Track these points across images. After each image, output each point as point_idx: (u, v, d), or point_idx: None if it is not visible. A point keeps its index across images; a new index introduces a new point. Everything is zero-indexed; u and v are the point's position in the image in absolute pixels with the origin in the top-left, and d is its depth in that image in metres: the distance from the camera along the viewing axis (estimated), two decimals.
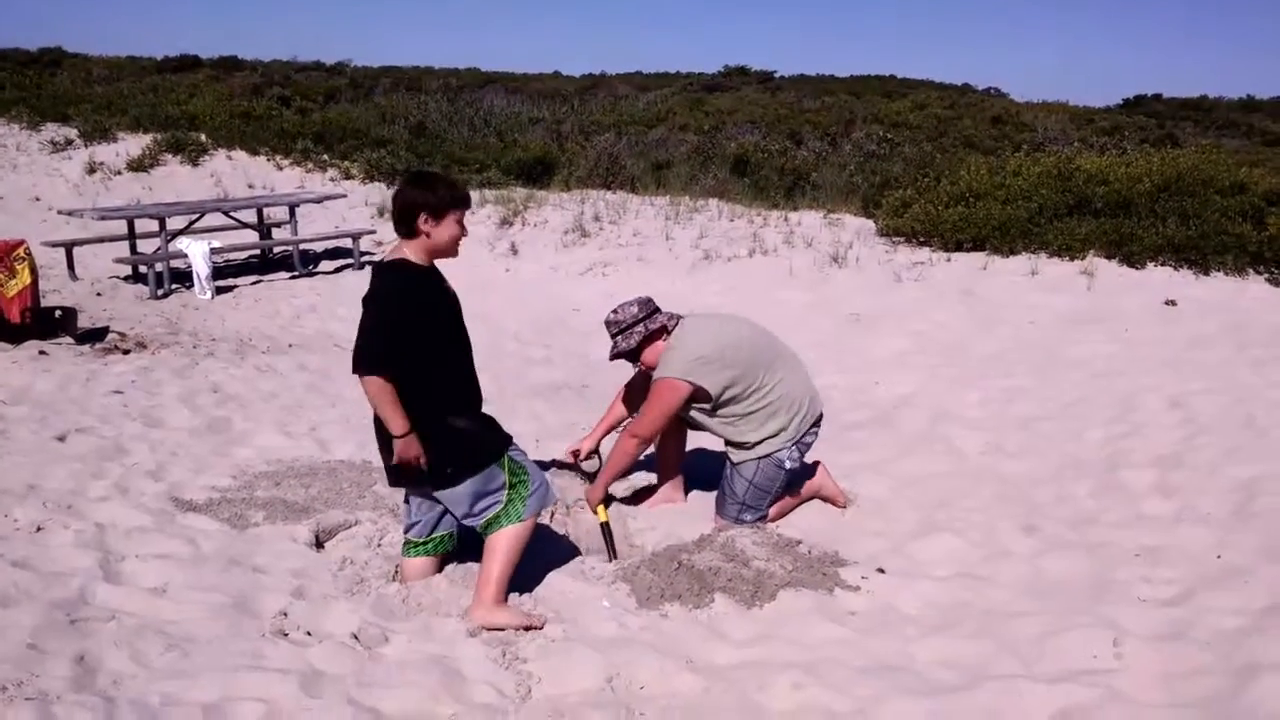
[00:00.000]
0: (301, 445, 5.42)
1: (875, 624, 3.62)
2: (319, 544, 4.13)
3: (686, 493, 4.75)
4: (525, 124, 19.45)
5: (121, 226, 10.45)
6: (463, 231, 3.48)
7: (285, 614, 3.47)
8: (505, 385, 6.92)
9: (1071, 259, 9.69)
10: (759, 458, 4.32)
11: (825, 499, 4.70)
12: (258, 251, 11.31)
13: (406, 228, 3.40)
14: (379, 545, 4.08)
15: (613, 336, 4.38)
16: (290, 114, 18.19)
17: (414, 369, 3.33)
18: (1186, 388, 6.57)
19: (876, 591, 3.85)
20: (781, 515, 4.52)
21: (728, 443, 4.41)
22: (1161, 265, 9.44)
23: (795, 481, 4.52)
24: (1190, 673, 3.22)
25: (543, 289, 10.10)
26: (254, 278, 10.51)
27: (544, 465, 4.88)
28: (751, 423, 4.30)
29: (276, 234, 11.68)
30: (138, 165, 15.55)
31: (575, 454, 4.67)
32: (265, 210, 11.62)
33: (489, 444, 3.56)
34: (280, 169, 15.60)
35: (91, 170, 15.51)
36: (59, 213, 11.79)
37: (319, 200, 11.95)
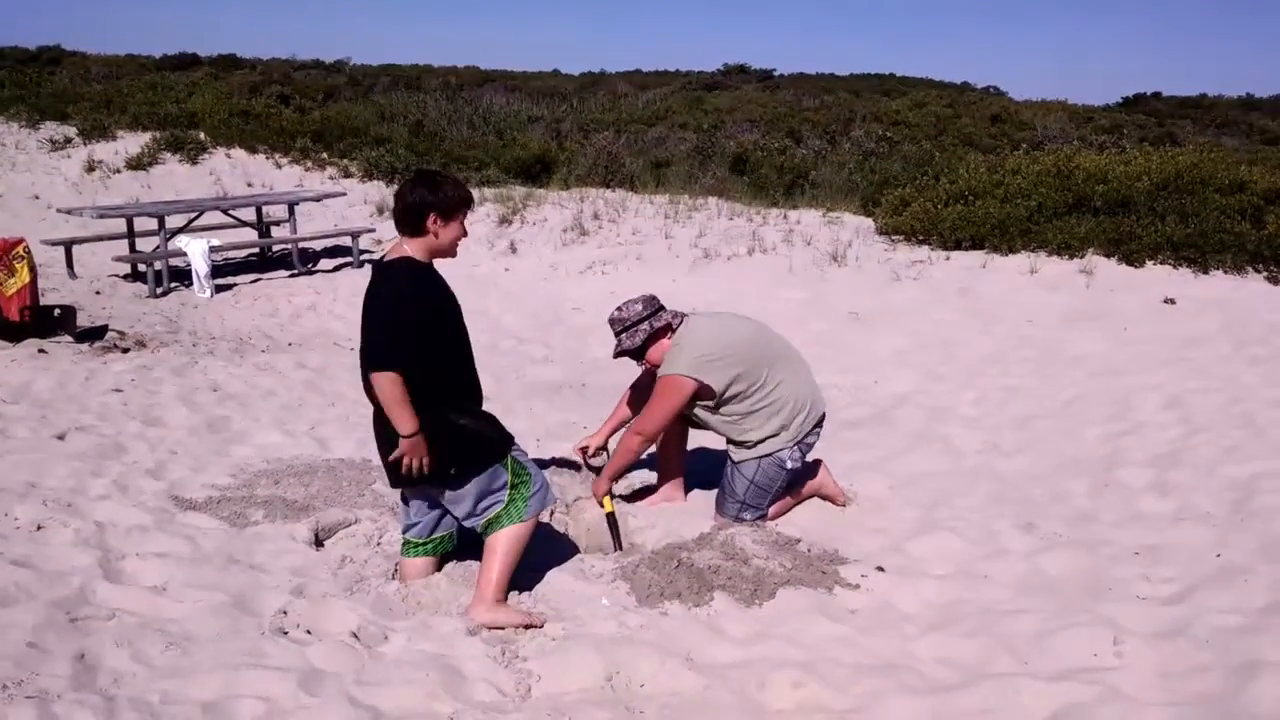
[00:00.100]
0: (301, 444, 5.42)
1: (874, 622, 3.63)
2: (318, 542, 4.13)
3: (686, 492, 4.76)
4: (524, 122, 19.46)
5: (120, 225, 10.45)
6: (464, 232, 3.49)
7: (285, 612, 3.47)
8: (504, 384, 6.92)
9: (1070, 257, 9.70)
10: (760, 457, 4.32)
11: (825, 497, 4.71)
12: (257, 250, 11.31)
13: (413, 226, 3.40)
14: (378, 544, 4.08)
15: (617, 334, 4.38)
16: (289, 112, 18.18)
17: (421, 368, 3.33)
18: (1185, 386, 6.57)
19: (875, 590, 3.85)
20: (781, 514, 4.53)
21: (729, 441, 4.41)
22: (1160, 264, 9.45)
23: (796, 481, 4.53)
24: (1189, 671, 3.22)
25: (542, 287, 10.10)
26: (253, 276, 10.51)
27: (543, 464, 4.88)
28: (754, 421, 4.30)
29: (275, 232, 11.67)
30: (137, 164, 15.53)
31: (583, 451, 4.67)
32: (264, 208, 11.62)
33: (493, 444, 3.56)
34: (279, 167, 15.59)
35: (90, 169, 15.50)
36: (58, 211, 11.78)
37: (318, 199, 11.95)
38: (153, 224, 10.10)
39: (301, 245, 11.02)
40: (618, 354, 4.42)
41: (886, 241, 10.75)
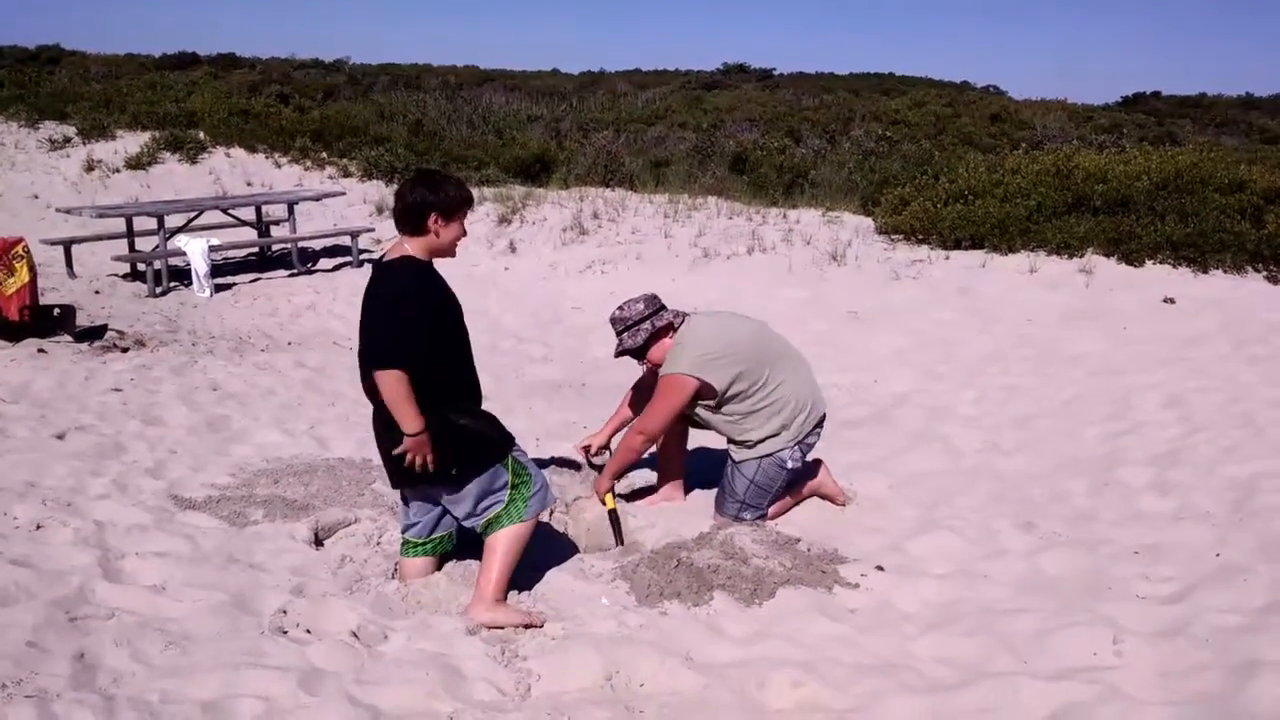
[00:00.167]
0: (300, 443, 5.42)
1: (874, 621, 3.63)
2: (318, 542, 4.13)
3: (686, 491, 4.76)
4: (524, 122, 19.46)
5: (120, 224, 10.45)
6: (464, 232, 3.50)
7: (284, 611, 3.47)
8: (504, 383, 6.92)
9: (1070, 257, 9.70)
10: (761, 457, 4.32)
11: (824, 497, 4.71)
12: (256, 249, 11.31)
13: (414, 226, 3.40)
14: (378, 543, 4.08)
15: (618, 333, 4.37)
16: (289, 111, 18.17)
17: (424, 367, 3.33)
18: (1184, 385, 6.58)
19: (875, 589, 3.85)
20: (781, 513, 4.53)
21: (730, 441, 4.41)
22: (1160, 263, 9.45)
23: (795, 481, 4.53)
24: (1189, 670, 3.22)
25: (541, 287, 10.10)
26: (252, 275, 10.50)
27: (543, 464, 4.88)
28: (755, 420, 4.30)
29: (275, 232, 11.67)
30: (136, 163, 15.53)
31: (586, 450, 4.67)
32: (264, 208, 11.62)
33: (494, 444, 3.56)
34: (279, 167, 15.59)
35: (90, 168, 15.49)
36: (57, 210, 11.77)
37: (317, 198, 11.95)
38: (152, 223, 10.10)
39: (301, 244, 11.02)
40: (619, 353, 4.41)
41: (886, 241, 10.75)
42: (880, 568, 4.01)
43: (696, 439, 4.75)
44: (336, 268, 10.99)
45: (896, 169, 13.94)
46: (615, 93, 28.25)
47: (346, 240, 11.29)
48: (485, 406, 3.66)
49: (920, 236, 10.60)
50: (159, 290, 9.53)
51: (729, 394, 4.25)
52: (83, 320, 7.72)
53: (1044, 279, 9.39)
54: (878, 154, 16.12)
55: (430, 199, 3.37)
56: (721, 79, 37.58)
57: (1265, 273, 9.37)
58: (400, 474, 3.58)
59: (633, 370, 4.62)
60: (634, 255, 10.71)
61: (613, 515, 4.33)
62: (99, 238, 10.61)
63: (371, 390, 3.55)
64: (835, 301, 9.17)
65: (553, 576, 3.81)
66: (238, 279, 10.29)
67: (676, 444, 4.67)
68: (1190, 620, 3.50)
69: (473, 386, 3.60)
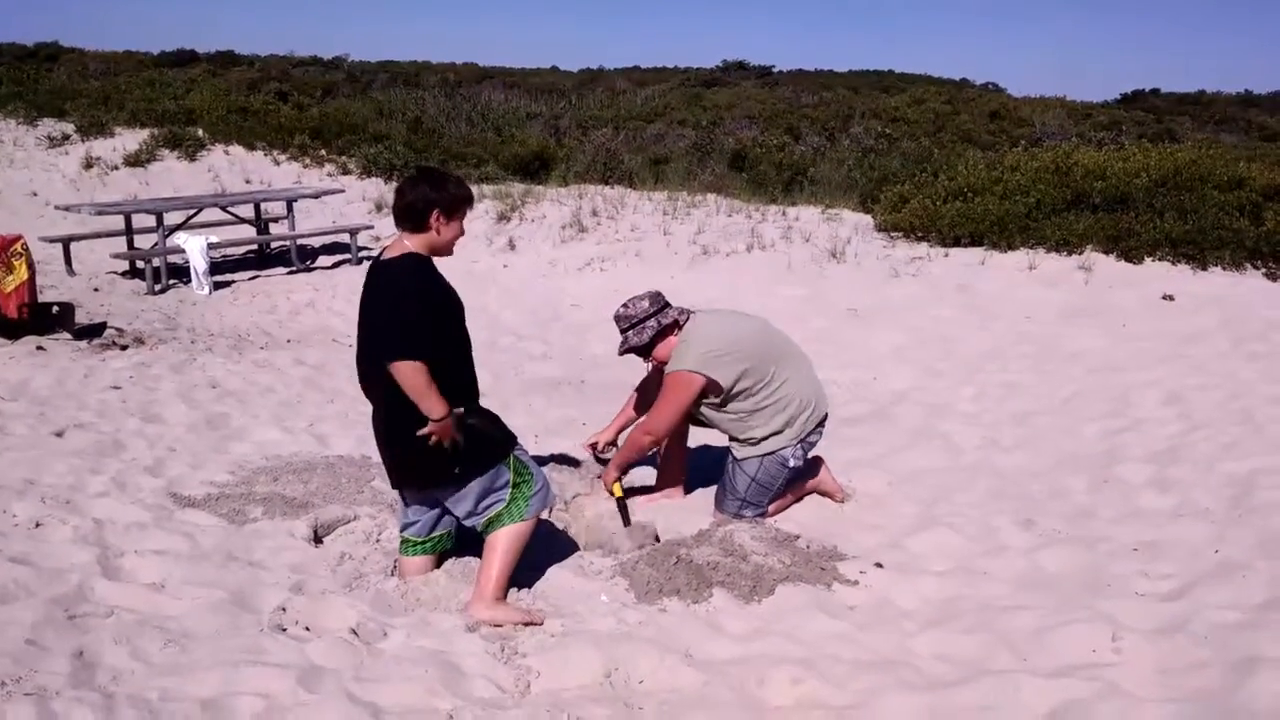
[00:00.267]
0: (300, 440, 5.42)
1: (873, 618, 3.63)
2: (317, 539, 4.13)
3: (686, 488, 4.76)
4: (523, 119, 19.44)
5: (119, 222, 10.45)
6: (462, 231, 3.50)
7: (284, 609, 3.47)
8: (503, 380, 6.92)
9: (1069, 254, 9.70)
10: (763, 455, 4.32)
11: (823, 494, 4.71)
12: (255, 247, 11.29)
13: (416, 223, 3.40)
14: (377, 540, 4.08)
15: (623, 332, 4.36)
16: (288, 109, 18.16)
17: (430, 364, 3.33)
18: (1184, 382, 6.58)
19: (874, 586, 3.85)
20: (780, 511, 4.53)
21: (732, 438, 4.41)
22: (1159, 260, 9.45)
23: (795, 479, 4.52)
24: (1188, 667, 3.22)
25: (540, 284, 10.10)
26: (251, 273, 10.50)
27: (542, 461, 4.88)
28: (760, 418, 4.30)
29: (274, 229, 11.66)
30: (135, 160, 15.51)
31: (593, 447, 4.67)
32: (263, 205, 11.61)
33: (496, 443, 3.56)
34: (278, 164, 15.57)
35: (88, 165, 15.48)
36: (56, 208, 11.76)
37: (316, 195, 11.95)
38: (151, 221, 10.09)
39: (300, 242, 11.02)
40: (624, 351, 4.39)
41: (885, 238, 10.75)
42: (879, 565, 4.01)
43: (696, 436, 4.75)
44: (335, 265, 10.99)
45: (896, 166, 13.94)
46: (614, 90, 28.24)
47: (345, 238, 11.29)
48: (484, 404, 3.66)
49: (919, 234, 10.59)
50: (158, 288, 9.53)
51: (735, 391, 4.25)
52: (81, 318, 7.71)
53: (1043, 276, 9.39)
54: (877, 151, 16.12)
55: (433, 196, 3.38)
56: (721, 76, 37.58)
57: (1264, 270, 9.37)
58: (402, 474, 3.58)
59: (633, 367, 4.62)
60: (633, 253, 10.71)
61: (620, 503, 4.36)
62: (98, 235, 10.60)
63: (370, 390, 3.55)
64: (834, 299, 9.17)
65: (552, 574, 3.81)
66: (236, 276, 10.29)
67: (678, 441, 4.66)
68: (1189, 617, 3.50)
69: (471, 385, 3.59)
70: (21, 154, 16.43)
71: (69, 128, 17.21)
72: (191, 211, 10.87)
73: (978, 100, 26.10)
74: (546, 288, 9.96)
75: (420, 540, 3.75)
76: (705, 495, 4.62)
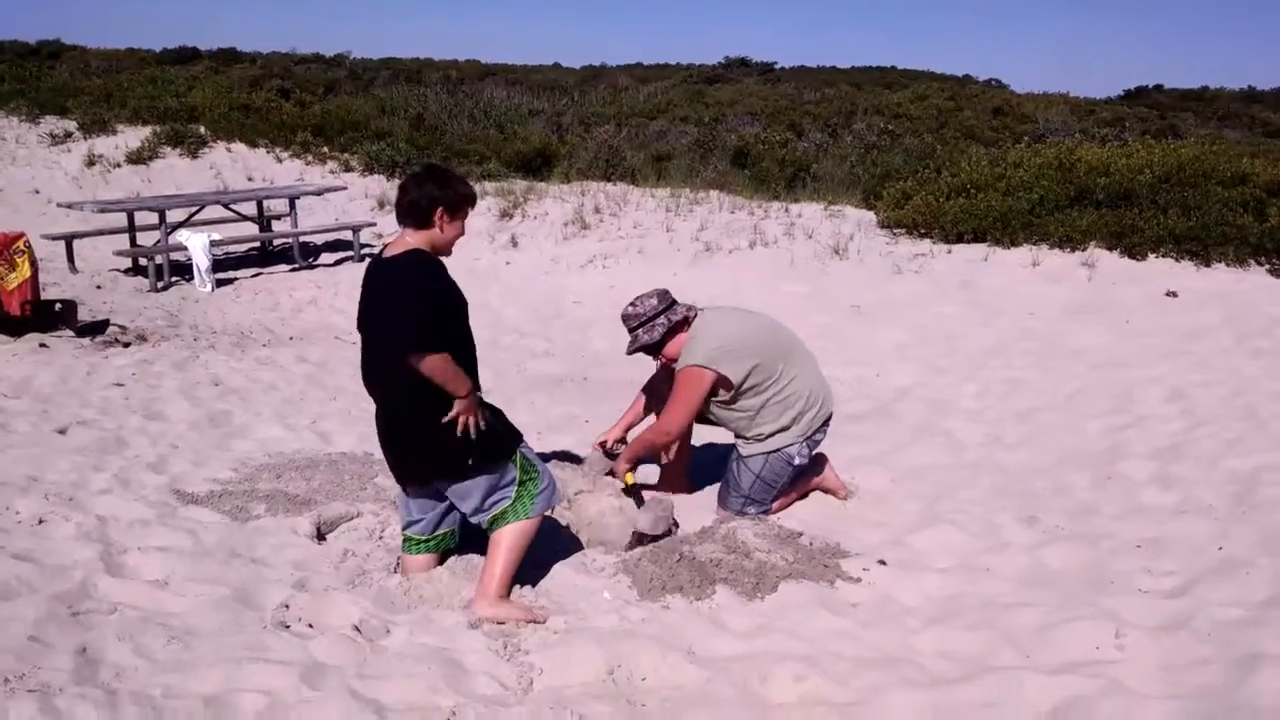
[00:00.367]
0: (302, 438, 5.43)
1: (876, 615, 3.63)
2: (320, 536, 4.13)
3: (689, 485, 4.76)
4: (525, 116, 19.42)
5: (121, 219, 10.46)
6: (463, 230, 3.51)
7: (287, 606, 3.47)
8: (505, 377, 6.92)
9: (1072, 250, 9.68)
10: (768, 452, 4.31)
11: (826, 491, 4.71)
12: (257, 244, 11.30)
13: (420, 220, 3.41)
14: (380, 537, 4.08)
15: (632, 330, 4.35)
16: (290, 106, 18.16)
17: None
18: (1187, 379, 6.57)
19: (877, 583, 3.85)
20: (783, 508, 4.53)
21: (738, 435, 4.40)
22: (1162, 256, 9.43)
23: (799, 476, 4.52)
24: (1191, 664, 3.22)
25: (543, 281, 10.09)
26: (254, 270, 10.51)
27: (545, 458, 4.87)
28: (767, 415, 4.30)
29: (276, 226, 11.67)
30: (137, 158, 15.53)
31: (602, 445, 4.67)
32: (265, 203, 11.62)
33: (503, 440, 3.56)
34: (280, 161, 15.58)
35: (90, 163, 15.49)
36: (58, 205, 11.78)
37: (319, 193, 11.96)
38: (153, 218, 10.10)
39: (302, 239, 11.02)
40: (634, 349, 4.38)
41: (888, 235, 10.74)
42: (882, 562, 4.01)
43: (699, 433, 4.75)
44: (338, 262, 10.99)
45: (898, 163, 13.92)
46: (616, 87, 28.19)
47: (348, 235, 11.29)
48: (486, 400, 3.66)
49: (922, 230, 10.58)
50: (160, 285, 9.54)
51: (744, 387, 4.25)
52: (84, 315, 7.72)
53: (1046, 272, 9.37)
54: (880, 148, 16.10)
55: (438, 194, 3.39)
56: (723, 73, 37.54)
57: (1268, 266, 9.35)
58: (406, 471, 3.58)
59: (636, 364, 4.62)
60: (636, 250, 10.70)
61: (633, 489, 4.38)
62: (100, 233, 10.61)
63: (373, 387, 3.55)
64: (837, 295, 9.17)
65: (555, 571, 3.81)
66: (239, 274, 10.29)
67: (682, 442, 4.66)
68: (1192, 614, 3.50)
69: (477, 382, 3.59)
70: (24, 151, 16.45)
71: (71, 125, 17.23)
72: (194, 209, 10.88)
73: (981, 96, 26.05)
74: (549, 285, 9.95)
75: (423, 539, 3.75)
76: (708, 492, 4.63)
